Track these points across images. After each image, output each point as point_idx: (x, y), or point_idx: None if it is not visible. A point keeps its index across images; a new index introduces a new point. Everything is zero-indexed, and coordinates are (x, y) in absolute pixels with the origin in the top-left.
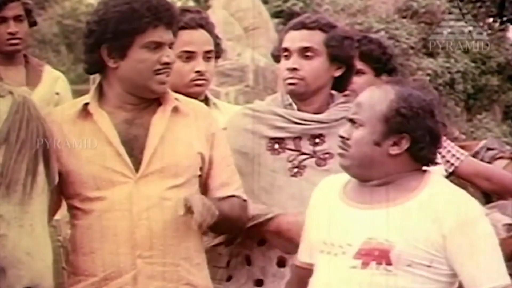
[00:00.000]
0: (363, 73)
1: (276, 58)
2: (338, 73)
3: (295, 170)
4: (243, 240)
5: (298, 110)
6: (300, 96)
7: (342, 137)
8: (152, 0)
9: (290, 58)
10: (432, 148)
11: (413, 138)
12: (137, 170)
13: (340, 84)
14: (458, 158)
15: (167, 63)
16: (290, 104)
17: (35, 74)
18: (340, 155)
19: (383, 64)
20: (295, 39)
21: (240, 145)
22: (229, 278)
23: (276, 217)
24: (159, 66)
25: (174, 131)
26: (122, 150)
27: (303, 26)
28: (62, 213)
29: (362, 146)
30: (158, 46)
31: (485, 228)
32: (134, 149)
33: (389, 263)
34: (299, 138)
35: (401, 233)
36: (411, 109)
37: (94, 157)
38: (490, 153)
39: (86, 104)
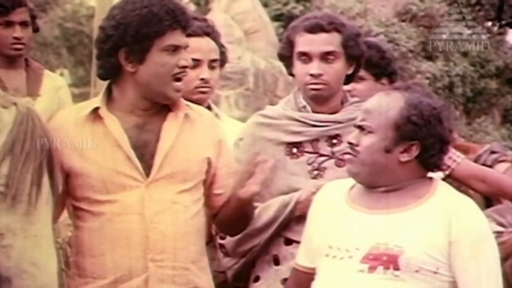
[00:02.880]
0: (363, 79)
1: (284, 58)
2: (351, 71)
3: (315, 172)
4: (269, 241)
5: (313, 111)
6: (322, 99)
7: (350, 143)
8: (169, 3)
9: (310, 63)
10: (441, 155)
11: (423, 146)
12: (147, 175)
13: (347, 78)
14: (454, 161)
15: (185, 66)
16: (304, 107)
17: (35, 78)
18: (349, 161)
19: (382, 69)
20: (315, 43)
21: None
22: (256, 279)
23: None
24: (177, 70)
25: (184, 137)
26: (132, 154)
27: (321, 29)
28: (62, 215)
29: (373, 153)
30: (176, 49)
31: (489, 238)
32: (145, 155)
33: (397, 268)
34: (316, 140)
35: (410, 239)
36: (422, 117)
37: (104, 161)
38: (493, 156)
39: (96, 108)
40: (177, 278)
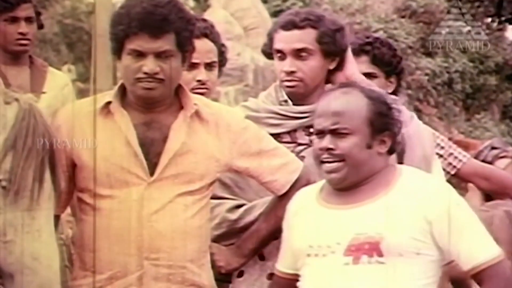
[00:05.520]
0: (375, 76)
1: (267, 55)
2: (333, 66)
3: None
4: None
5: (294, 105)
6: (299, 96)
7: (329, 148)
8: (147, 6)
9: (285, 60)
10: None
11: (393, 133)
12: (151, 173)
13: (333, 73)
14: (460, 160)
15: (148, 73)
16: (286, 101)
17: (39, 75)
18: (334, 170)
19: (394, 67)
20: (287, 40)
21: None
22: (240, 274)
23: None
24: (141, 75)
25: (193, 138)
26: (139, 151)
27: (293, 25)
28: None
29: (358, 153)
30: (140, 54)
31: (466, 206)
32: (150, 153)
33: (380, 254)
34: (294, 131)
35: (388, 225)
36: (388, 108)
37: (110, 156)
38: (494, 152)
39: (108, 102)
40: (172, 276)
